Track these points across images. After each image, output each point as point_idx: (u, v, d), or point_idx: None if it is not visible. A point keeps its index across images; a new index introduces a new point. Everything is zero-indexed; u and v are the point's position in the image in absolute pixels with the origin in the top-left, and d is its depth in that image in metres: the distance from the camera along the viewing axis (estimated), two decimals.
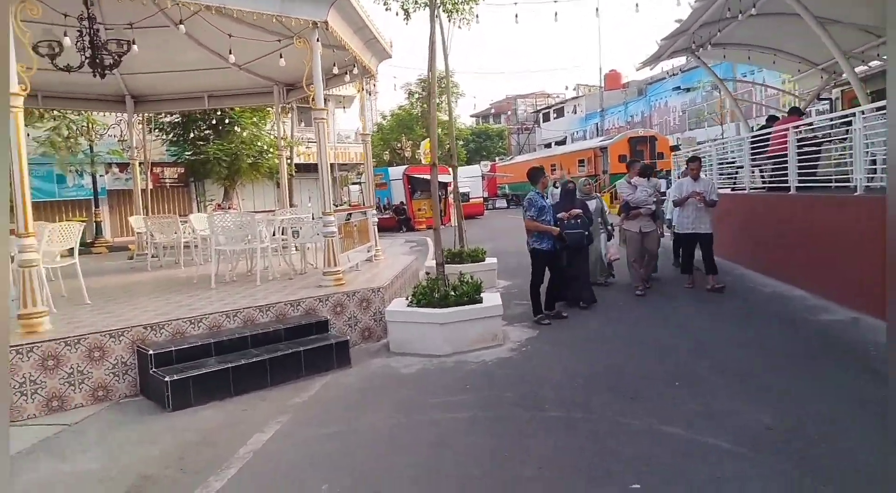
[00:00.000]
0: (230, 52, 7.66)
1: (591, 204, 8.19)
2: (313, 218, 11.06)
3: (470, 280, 6.54)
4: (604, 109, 47.47)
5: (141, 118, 13.21)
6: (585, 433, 3.79)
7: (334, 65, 8.39)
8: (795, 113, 10.30)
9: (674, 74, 40.71)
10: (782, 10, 9.97)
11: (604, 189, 30.91)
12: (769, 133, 10.10)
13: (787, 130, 9.47)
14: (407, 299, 6.46)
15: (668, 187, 21.26)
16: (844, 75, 12.71)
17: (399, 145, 33.09)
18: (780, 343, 5.61)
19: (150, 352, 5.06)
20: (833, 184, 8.76)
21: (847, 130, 9.21)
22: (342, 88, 19.77)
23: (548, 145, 51.95)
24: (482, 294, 6.44)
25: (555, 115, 55.15)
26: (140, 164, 13.49)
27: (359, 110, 9.80)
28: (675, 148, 35.01)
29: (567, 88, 46.82)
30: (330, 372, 5.58)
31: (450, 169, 10.75)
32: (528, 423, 4.02)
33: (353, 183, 33.01)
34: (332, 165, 31.94)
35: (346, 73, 8.95)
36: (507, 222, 26.82)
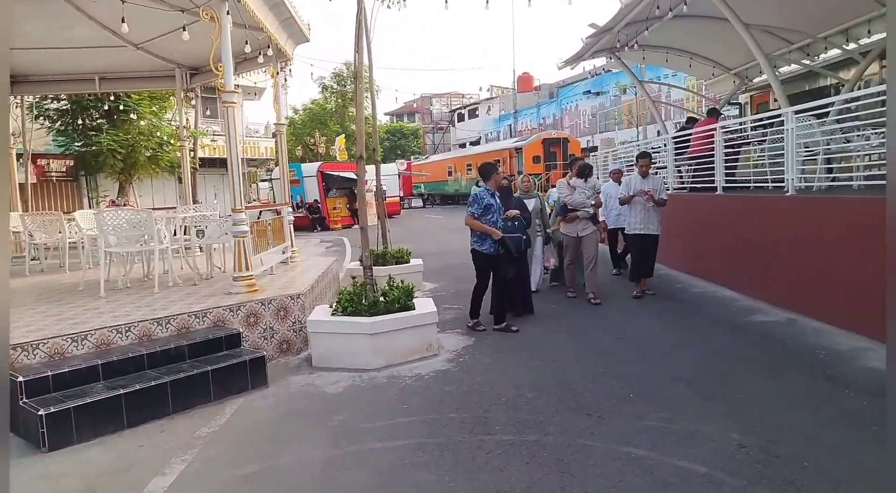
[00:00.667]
0: (123, 21, 6.65)
1: (530, 203, 7.60)
2: (220, 216, 10.14)
3: (400, 284, 5.99)
4: (517, 111, 48.12)
5: (19, 101, 11.63)
6: (545, 461, 3.35)
7: (246, 44, 7.55)
8: (714, 114, 10.48)
9: (587, 78, 41.88)
10: (708, 13, 10.13)
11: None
12: (689, 134, 10.23)
13: (710, 131, 9.62)
14: (330, 306, 5.81)
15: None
16: (756, 80, 13.24)
17: (312, 141, 31.86)
18: (727, 349, 5.45)
19: (20, 379, 4.14)
20: (752, 184, 8.95)
21: (764, 133, 9.47)
22: (251, 76, 18.62)
23: (462, 145, 52.11)
24: (414, 300, 5.91)
25: (469, 115, 55.42)
26: (19, 155, 11.92)
27: (272, 98, 9.00)
28: (592, 150, 36.04)
29: (481, 88, 47.32)
30: (244, 394, 4.86)
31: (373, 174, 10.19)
32: (479, 450, 3.53)
33: (263, 180, 31.50)
34: (241, 160, 30.29)
35: (260, 54, 8.12)
36: (426, 222, 26.42)
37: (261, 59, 8.27)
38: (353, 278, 6.35)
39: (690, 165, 9.87)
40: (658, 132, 28.87)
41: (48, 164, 21.60)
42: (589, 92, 39.77)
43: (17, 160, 11.75)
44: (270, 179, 28.37)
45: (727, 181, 8.40)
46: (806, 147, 6.60)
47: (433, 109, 64.09)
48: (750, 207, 7.73)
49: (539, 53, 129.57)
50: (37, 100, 15.55)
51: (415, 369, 5.23)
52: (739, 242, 7.62)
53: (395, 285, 6.02)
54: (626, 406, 4.11)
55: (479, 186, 6.56)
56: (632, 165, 10.79)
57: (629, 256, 8.61)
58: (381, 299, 5.64)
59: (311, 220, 24.85)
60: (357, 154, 6.19)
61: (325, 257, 14.25)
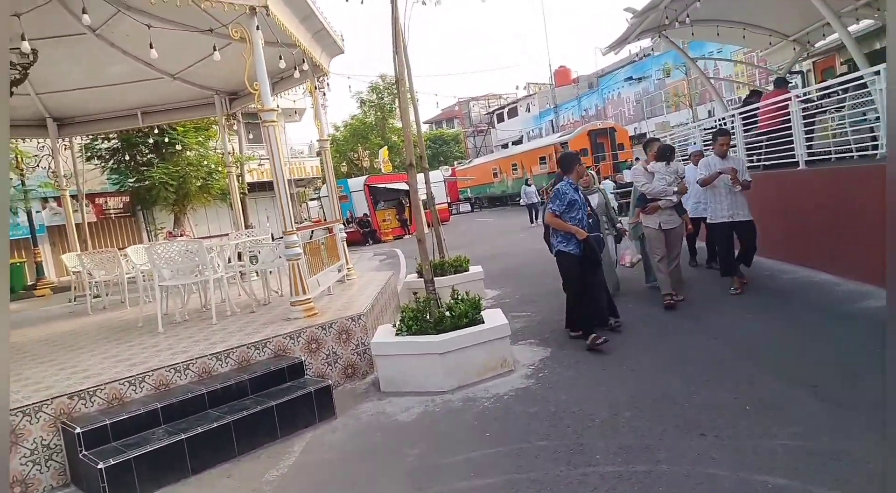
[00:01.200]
0: (151, 47, 6.51)
1: (593, 199, 6.75)
2: (273, 239, 9.96)
3: (466, 297, 5.56)
4: (557, 105, 47.26)
5: (68, 143, 11.83)
6: None
7: (280, 60, 7.33)
8: (782, 84, 9.67)
9: (627, 64, 40.72)
10: None
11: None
12: (756, 108, 9.46)
13: (782, 102, 8.85)
14: (394, 325, 5.44)
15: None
16: (819, 45, 12.27)
17: (356, 156, 31.97)
18: (845, 342, 4.78)
19: (78, 430, 3.92)
20: (832, 156, 8.16)
21: (841, 100, 8.64)
22: (290, 95, 18.62)
23: (505, 146, 51.48)
24: (482, 312, 5.47)
25: (508, 115, 54.77)
26: (74, 195, 12.12)
27: (313, 114, 8.74)
28: (640, 136, 34.86)
29: (517, 87, 46.63)
30: (311, 427, 4.53)
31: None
32: (582, 486, 3.06)
33: (312, 198, 31.71)
34: (287, 180, 30.65)
35: (295, 69, 7.88)
36: (476, 226, 25.99)
37: (296, 75, 8.05)
38: (415, 293, 5.95)
39: (761, 140, 9.10)
40: (708, 112, 27.76)
41: (105, 202, 22.27)
42: (631, 78, 38.63)
43: (72, 200, 11.93)
44: (319, 198, 28.53)
45: (809, 154, 7.63)
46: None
47: (472, 113, 63.71)
48: (840, 180, 6.97)
49: (573, 46, 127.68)
50: (87, 141, 15.93)
51: (491, 388, 4.79)
52: (831, 220, 6.87)
53: (460, 297, 5.60)
54: (744, 421, 3.56)
55: (561, 180, 5.87)
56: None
57: (717, 248, 7.56)
58: (447, 314, 5.23)
59: (363, 234, 24.79)
60: (406, 161, 5.83)
61: (381, 271, 14.01)
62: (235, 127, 12.48)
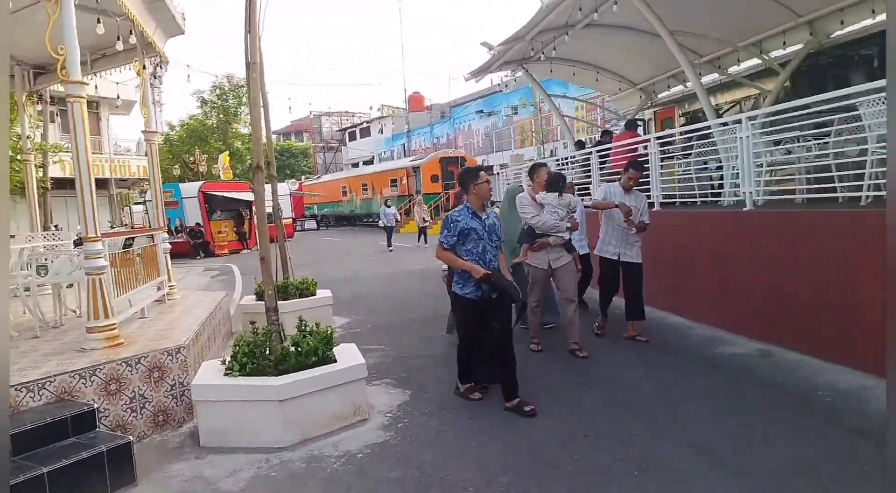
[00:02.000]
0: None
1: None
2: (77, 245, 8.30)
3: (315, 328, 4.71)
4: (410, 130, 47.62)
5: None
6: None
7: (98, 24, 6.00)
8: (632, 127, 10.10)
9: (478, 98, 42.16)
10: (620, 23, 9.77)
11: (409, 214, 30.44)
12: (608, 148, 9.75)
13: (632, 144, 9.16)
14: (223, 362, 4.42)
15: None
16: (661, 96, 13.18)
17: (192, 159, 29.23)
18: (709, 392, 4.65)
19: None
20: (677, 201, 8.55)
21: (688, 147, 9.15)
22: (120, 86, 16.44)
23: (355, 165, 50.76)
24: (334, 346, 4.65)
25: (361, 134, 54.23)
26: None
27: (139, 99, 7.38)
28: (487, 168, 35.92)
29: (371, 107, 46.32)
30: None
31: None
32: None
33: (137, 202, 28.41)
34: (107, 180, 27.06)
35: (119, 39, 6.53)
36: (323, 245, 24.80)
37: (120, 47, 6.67)
38: (252, 322, 4.94)
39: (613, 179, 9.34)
40: (551, 151, 29.44)
41: None
42: (481, 112, 40.00)
43: None
44: (145, 202, 25.53)
45: (665, 197, 7.86)
46: (756, 157, 6.09)
47: (323, 128, 62.17)
48: (701, 222, 7.17)
49: (428, 75, 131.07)
50: None
51: (342, 443, 3.98)
52: (691, 264, 7.01)
53: (308, 328, 4.74)
54: (638, 489, 3.13)
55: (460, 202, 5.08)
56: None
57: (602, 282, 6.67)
58: (293, 349, 4.34)
59: (194, 245, 22.46)
60: (254, 163, 4.85)
61: (211, 290, 12.47)
62: (40, 108, 10.41)
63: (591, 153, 9.58)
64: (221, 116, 32.27)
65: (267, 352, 4.29)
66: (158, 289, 7.04)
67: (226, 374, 4.25)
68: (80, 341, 4.76)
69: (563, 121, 13.32)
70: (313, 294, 8.04)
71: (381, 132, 51.54)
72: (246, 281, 13.29)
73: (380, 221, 23.13)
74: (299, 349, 4.33)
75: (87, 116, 4.80)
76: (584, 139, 12.39)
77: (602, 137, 10.84)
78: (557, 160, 12.77)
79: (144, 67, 6.97)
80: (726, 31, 9.63)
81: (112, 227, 24.21)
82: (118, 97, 22.08)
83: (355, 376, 4.39)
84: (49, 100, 10.15)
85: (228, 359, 4.35)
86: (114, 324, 4.76)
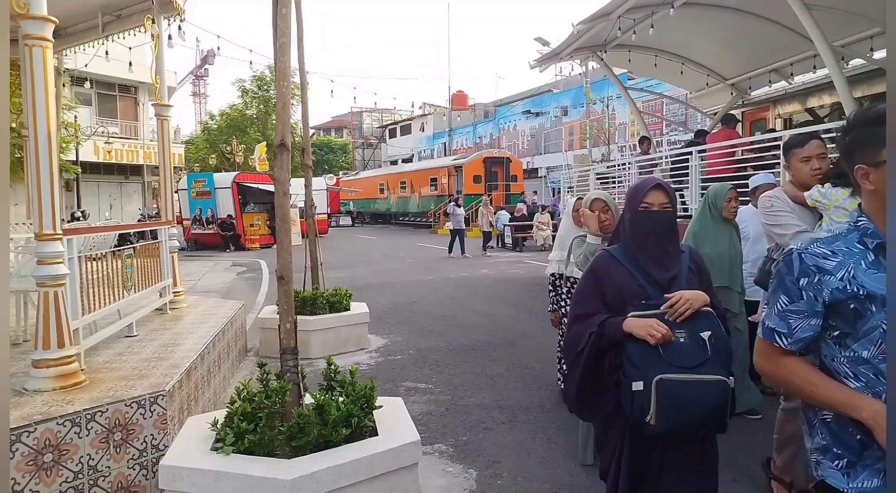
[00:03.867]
0: None
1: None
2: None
3: (351, 385, 3.25)
4: (452, 129, 46.28)
5: None
6: None
7: None
8: (731, 123, 8.47)
9: (524, 98, 40.57)
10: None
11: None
12: (703, 151, 8.14)
13: (732, 145, 7.57)
14: (213, 425, 2.99)
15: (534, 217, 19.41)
16: (755, 94, 11.44)
17: (229, 149, 28.34)
18: None
19: None
20: None
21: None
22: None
23: (394, 162, 49.69)
24: (375, 410, 3.18)
25: (401, 131, 53.13)
26: None
27: (153, 66, 6.09)
28: (532, 171, 34.31)
29: (413, 105, 45.04)
30: None
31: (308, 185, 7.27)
32: None
33: (178, 190, 27.51)
34: (140, 166, 26.31)
35: None
36: (358, 244, 23.55)
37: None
38: (261, 366, 3.47)
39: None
40: (602, 155, 27.60)
41: None
42: (528, 112, 38.38)
43: None
44: (177, 191, 24.69)
45: None
46: None
47: (363, 124, 61.30)
48: None
49: (472, 74, 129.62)
50: None
51: None
52: None
53: (341, 379, 3.31)
54: None
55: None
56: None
57: None
58: (315, 420, 2.88)
59: (224, 238, 21.45)
60: (276, 141, 3.43)
61: (234, 290, 11.26)
62: (65, 81, 9.42)
63: (690, 153, 7.95)
64: (262, 106, 31.36)
65: (276, 421, 2.85)
66: (161, 296, 5.72)
67: (215, 447, 2.83)
68: (23, 379, 3.42)
69: (640, 118, 11.68)
70: (347, 308, 6.66)
71: (423, 130, 50.26)
72: (274, 282, 12.02)
73: (448, 223, 19.78)
74: (325, 417, 2.88)
75: (50, 66, 3.45)
76: (647, 136, 10.67)
77: (696, 136, 9.21)
78: (615, 165, 11.13)
79: (153, 21, 5.66)
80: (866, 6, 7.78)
81: (142, 217, 23.38)
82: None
83: (404, 461, 2.91)
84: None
85: (220, 424, 2.94)
86: (71, 357, 3.41)
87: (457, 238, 16.72)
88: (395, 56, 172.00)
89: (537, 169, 35.31)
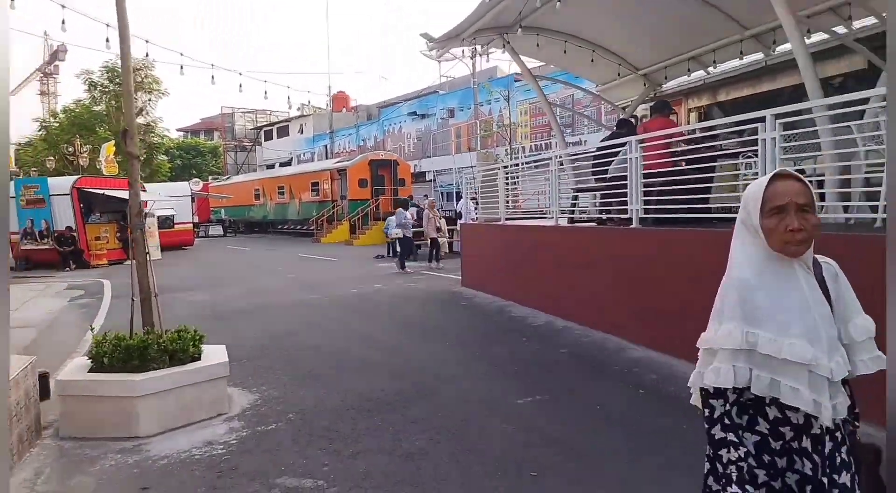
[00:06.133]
0: None
1: None
2: None
3: None
4: (333, 131, 43.96)
5: None
6: None
7: None
8: (664, 110, 7.37)
9: (409, 99, 39.24)
10: None
11: (341, 218, 26.91)
12: (623, 142, 6.98)
13: (670, 134, 6.48)
14: None
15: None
16: (667, 86, 10.65)
17: (71, 150, 24.34)
18: None
19: None
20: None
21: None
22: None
23: (271, 166, 46.42)
24: None
25: (278, 133, 49.94)
26: None
27: None
28: (420, 175, 32.92)
29: (291, 106, 41.98)
30: None
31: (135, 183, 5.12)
32: None
33: None
34: None
35: None
36: (227, 256, 20.83)
37: None
38: None
39: (654, 185, 6.57)
40: (506, 153, 26.77)
41: None
42: (414, 113, 37.03)
43: None
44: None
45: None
46: None
47: (235, 126, 57.04)
48: None
49: (356, 77, 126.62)
50: None
51: None
52: None
53: None
54: None
55: None
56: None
57: None
58: None
59: (62, 254, 17.97)
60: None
61: (64, 319, 8.74)
62: None
63: (621, 144, 6.72)
64: (112, 101, 27.48)
65: None
66: None
67: None
68: None
69: (551, 113, 10.49)
70: (196, 357, 4.69)
71: (302, 132, 47.52)
72: (116, 307, 9.57)
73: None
74: None
75: None
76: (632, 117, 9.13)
77: (619, 127, 8.08)
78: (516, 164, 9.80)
79: None
80: None
81: None
82: None
83: None
84: None
85: None
86: None
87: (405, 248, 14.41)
88: (267, 53, 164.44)
89: (425, 173, 34.04)
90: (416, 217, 18.78)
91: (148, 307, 4.82)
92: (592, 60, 10.02)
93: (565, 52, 9.84)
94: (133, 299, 4.87)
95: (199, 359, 4.72)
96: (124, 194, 20.23)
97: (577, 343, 6.32)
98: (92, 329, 4.76)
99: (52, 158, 25.93)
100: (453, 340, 6.75)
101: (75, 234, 18.30)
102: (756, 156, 6.65)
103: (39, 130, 29.48)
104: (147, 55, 12.27)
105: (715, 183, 6.62)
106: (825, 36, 7.77)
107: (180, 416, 4.40)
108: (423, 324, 7.73)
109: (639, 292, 6.12)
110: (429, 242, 15.18)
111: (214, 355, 4.86)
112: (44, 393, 4.56)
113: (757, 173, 6.46)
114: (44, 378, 4.66)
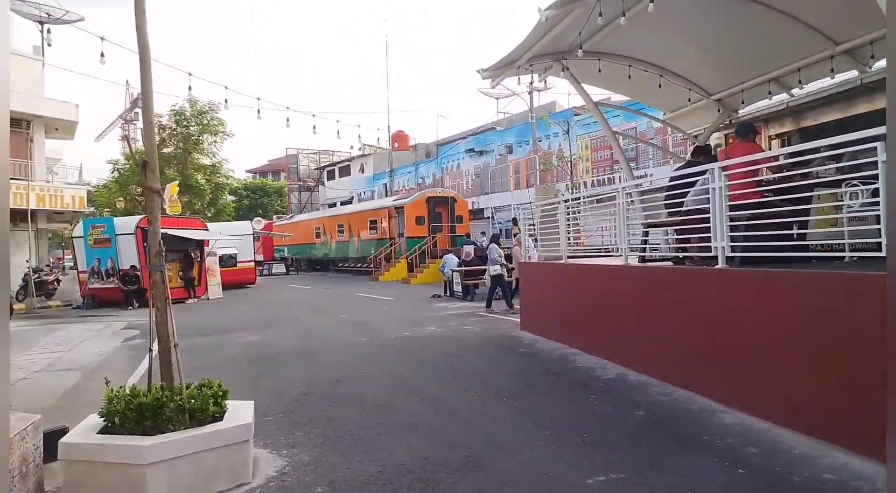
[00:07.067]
0: None
1: None
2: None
3: None
4: (393, 169, 44.31)
5: None
6: None
7: None
8: (748, 133, 6.50)
9: (466, 136, 39.18)
10: None
11: (398, 256, 26.63)
12: (701, 171, 6.15)
13: (756, 161, 5.64)
14: None
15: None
16: (743, 112, 9.73)
17: (139, 191, 25.20)
18: None
19: None
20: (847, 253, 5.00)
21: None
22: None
23: (332, 205, 47.14)
24: None
25: (340, 173, 50.87)
26: None
27: None
28: (478, 212, 32.46)
29: (352, 146, 42.68)
30: None
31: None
32: None
33: (73, 237, 24.12)
34: (33, 211, 22.72)
35: None
36: (287, 295, 20.73)
37: None
38: None
39: (741, 219, 5.70)
40: (567, 188, 26.00)
41: None
42: (472, 150, 36.83)
43: None
44: (72, 238, 21.34)
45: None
46: None
47: (300, 166, 58.59)
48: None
49: (414, 116, 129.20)
50: None
51: None
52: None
53: None
54: None
55: None
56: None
57: None
58: None
59: (126, 293, 18.30)
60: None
61: (113, 360, 8.51)
62: None
63: (703, 172, 5.90)
64: (180, 144, 28.49)
65: None
66: None
67: None
68: None
69: (615, 140, 9.74)
70: (218, 417, 4.15)
71: (362, 171, 48.22)
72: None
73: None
74: None
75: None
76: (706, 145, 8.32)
77: (695, 155, 7.25)
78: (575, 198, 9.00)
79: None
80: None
81: (29, 272, 20.00)
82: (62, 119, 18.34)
83: None
84: None
85: None
86: None
87: (497, 287, 13.46)
88: (329, 96, 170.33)
89: (483, 209, 33.54)
90: (472, 255, 18.16)
91: (167, 359, 4.35)
92: (660, 85, 9.26)
93: (630, 77, 9.13)
94: (151, 349, 4.41)
95: (220, 418, 4.18)
96: (189, 233, 20.68)
97: (655, 403, 5.44)
98: (107, 382, 4.29)
99: (122, 198, 26.94)
100: (510, 395, 5.98)
101: (139, 273, 18.61)
102: (862, 184, 5.74)
103: (113, 172, 30.86)
104: (226, 101, 12.45)
105: (812, 216, 5.75)
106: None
107: (195, 486, 3.84)
108: (477, 374, 6.99)
109: (727, 343, 5.22)
110: (513, 281, 13.70)
111: (239, 414, 4.31)
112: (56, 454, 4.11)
113: (867, 203, 5.54)
114: (61, 433, 4.22)
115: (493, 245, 13.66)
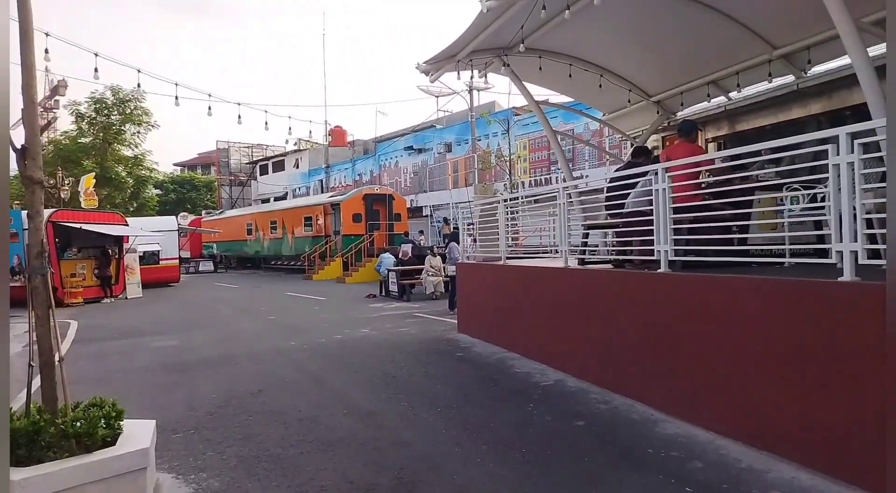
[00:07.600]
0: None
1: None
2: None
3: None
4: (329, 165, 43.35)
5: None
6: None
7: None
8: (690, 132, 6.38)
9: (407, 133, 38.72)
10: None
11: (334, 254, 25.90)
12: (642, 173, 6.02)
13: (700, 161, 5.53)
14: None
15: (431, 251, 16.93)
16: (681, 114, 9.77)
17: (52, 182, 23.43)
18: None
19: None
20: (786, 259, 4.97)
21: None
22: None
23: (266, 200, 45.68)
24: None
25: (273, 168, 49.40)
26: None
27: None
28: (416, 210, 32.04)
29: (287, 140, 41.19)
30: None
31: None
32: None
33: None
34: None
35: None
36: (212, 294, 19.66)
37: None
38: None
39: (684, 222, 5.56)
40: (505, 187, 25.96)
41: None
42: (411, 148, 36.42)
43: None
44: None
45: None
46: None
47: (231, 160, 56.48)
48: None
49: (352, 111, 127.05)
50: None
51: None
52: None
53: None
54: None
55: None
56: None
57: None
58: None
59: None
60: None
61: None
62: None
63: (644, 173, 5.74)
64: (100, 133, 26.74)
65: None
66: None
67: None
68: None
69: (555, 139, 9.56)
70: (110, 441, 3.60)
71: (297, 167, 46.97)
72: (73, 353, 8.42)
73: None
74: None
75: None
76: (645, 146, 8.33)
77: (635, 156, 7.12)
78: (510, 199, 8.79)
79: None
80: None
81: None
82: None
83: None
84: None
85: None
86: None
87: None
88: (268, 83, 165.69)
89: (421, 208, 33.22)
90: (409, 254, 17.78)
91: (49, 375, 3.75)
92: (601, 86, 9.16)
93: (570, 76, 8.97)
94: (31, 364, 3.80)
95: (113, 443, 3.63)
96: (105, 229, 19.34)
97: (595, 413, 5.22)
98: None
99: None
100: (445, 405, 5.64)
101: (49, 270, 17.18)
102: (803, 188, 5.73)
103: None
104: (139, 86, 11.49)
105: (753, 220, 5.70)
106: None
107: None
108: (411, 383, 6.61)
109: (669, 349, 5.06)
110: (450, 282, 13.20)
111: (136, 437, 3.77)
112: None
113: (807, 209, 5.53)
114: None
115: (454, 243, 13.21)
